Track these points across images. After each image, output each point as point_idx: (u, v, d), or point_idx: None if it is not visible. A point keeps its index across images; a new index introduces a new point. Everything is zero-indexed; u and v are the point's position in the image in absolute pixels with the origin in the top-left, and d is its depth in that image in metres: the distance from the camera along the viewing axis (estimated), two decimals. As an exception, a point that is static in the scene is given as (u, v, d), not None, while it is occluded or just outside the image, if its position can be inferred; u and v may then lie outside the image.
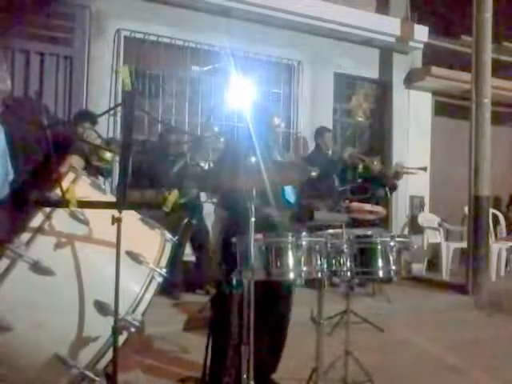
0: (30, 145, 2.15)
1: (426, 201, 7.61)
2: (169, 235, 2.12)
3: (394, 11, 7.45)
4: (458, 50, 7.67)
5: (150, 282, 1.86)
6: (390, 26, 7.09)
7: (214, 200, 5.37)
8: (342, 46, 6.99)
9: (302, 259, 2.46)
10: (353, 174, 5.86)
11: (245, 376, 2.36)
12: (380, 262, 2.69)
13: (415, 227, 7.30)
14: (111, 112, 5.47)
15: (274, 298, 2.93)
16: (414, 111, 7.61)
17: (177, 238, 2.17)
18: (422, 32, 7.24)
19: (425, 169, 6.59)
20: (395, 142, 7.47)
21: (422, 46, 7.41)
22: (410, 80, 7.52)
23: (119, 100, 5.58)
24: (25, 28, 5.38)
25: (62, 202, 1.76)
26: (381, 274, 2.75)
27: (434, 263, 7.24)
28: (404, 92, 7.57)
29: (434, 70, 7.24)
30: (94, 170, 4.39)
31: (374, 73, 7.38)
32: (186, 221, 4.77)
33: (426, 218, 7.39)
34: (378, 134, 7.60)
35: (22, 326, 1.68)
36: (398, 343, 4.26)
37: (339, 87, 7.21)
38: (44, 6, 5.42)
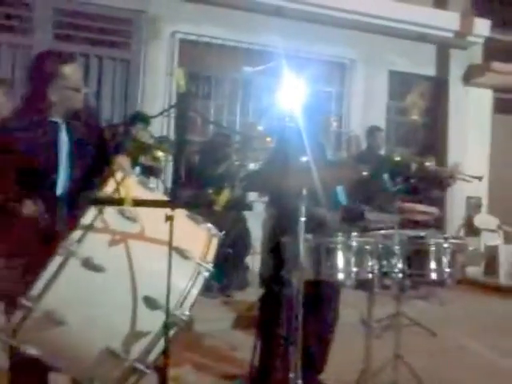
0: (86, 145, 2.23)
1: (484, 202, 7.33)
2: (215, 230, 2.10)
3: (453, 5, 7.21)
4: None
5: (197, 277, 1.87)
6: (447, 20, 6.87)
7: (264, 199, 5.39)
8: (396, 42, 6.84)
9: (353, 260, 2.44)
10: (405, 174, 5.72)
11: (292, 375, 2.37)
12: (433, 264, 2.62)
13: (472, 229, 7.05)
14: (165, 113, 5.62)
15: (321, 299, 2.92)
16: (473, 109, 7.35)
17: (223, 232, 2.14)
18: (482, 26, 6.96)
19: (480, 178, 6.18)
20: (451, 141, 7.23)
21: (481, 40, 7.12)
22: (469, 76, 7.26)
23: (173, 101, 5.71)
24: (85, 33, 5.62)
25: (117, 201, 1.81)
26: (434, 276, 2.68)
27: (491, 267, 6.96)
28: (462, 89, 7.32)
29: (495, 65, 6.95)
30: (145, 169, 4.53)
31: (429, 70, 7.18)
32: (232, 216, 4.75)
33: (484, 219, 7.12)
34: (433, 134, 7.38)
35: (75, 321, 1.74)
36: (452, 348, 4.13)
37: (393, 85, 7.07)
38: (103, 12, 5.64)
